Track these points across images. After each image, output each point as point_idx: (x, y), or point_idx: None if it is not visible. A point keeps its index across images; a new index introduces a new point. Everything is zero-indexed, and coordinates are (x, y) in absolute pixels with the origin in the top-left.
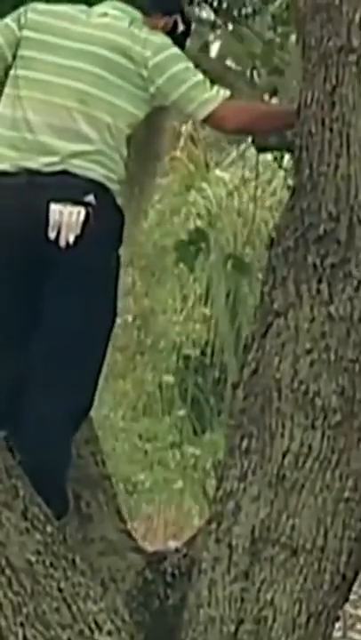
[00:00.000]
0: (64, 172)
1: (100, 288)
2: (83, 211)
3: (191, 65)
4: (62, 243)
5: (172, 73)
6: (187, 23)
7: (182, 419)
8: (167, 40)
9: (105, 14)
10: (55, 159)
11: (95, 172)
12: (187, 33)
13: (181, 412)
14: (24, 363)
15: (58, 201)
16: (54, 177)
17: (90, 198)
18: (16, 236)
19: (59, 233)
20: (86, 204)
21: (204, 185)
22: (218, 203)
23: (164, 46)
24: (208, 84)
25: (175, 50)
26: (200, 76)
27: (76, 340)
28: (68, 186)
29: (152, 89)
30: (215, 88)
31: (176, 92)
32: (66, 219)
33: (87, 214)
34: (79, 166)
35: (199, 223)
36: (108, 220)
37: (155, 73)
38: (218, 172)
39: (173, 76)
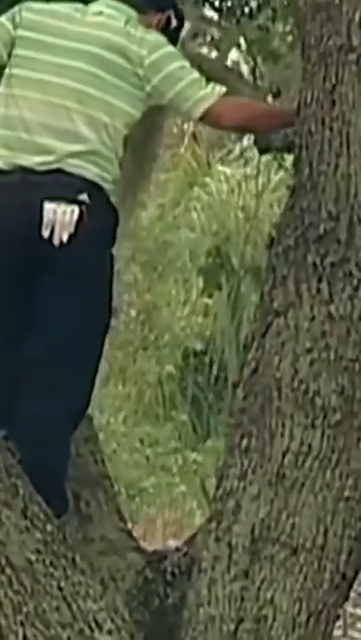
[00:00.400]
0: (58, 171)
1: (95, 286)
2: (77, 209)
3: (187, 63)
4: (56, 241)
5: (167, 72)
6: (179, 19)
7: (184, 423)
8: (162, 38)
9: (100, 13)
10: (50, 158)
11: (89, 171)
12: (179, 28)
13: (183, 417)
14: (20, 362)
15: (52, 199)
16: (48, 175)
17: (84, 197)
18: (9, 234)
19: (52, 231)
20: (80, 203)
21: (208, 180)
22: (220, 198)
23: (160, 45)
24: (204, 81)
25: (170, 48)
26: (196, 74)
27: (72, 339)
28: (62, 184)
29: (148, 88)
30: (211, 85)
31: (172, 90)
32: (60, 217)
33: (81, 213)
34: (74, 165)
35: (203, 218)
36: (101, 218)
37: (150, 72)
38: (220, 167)
39: (169, 75)
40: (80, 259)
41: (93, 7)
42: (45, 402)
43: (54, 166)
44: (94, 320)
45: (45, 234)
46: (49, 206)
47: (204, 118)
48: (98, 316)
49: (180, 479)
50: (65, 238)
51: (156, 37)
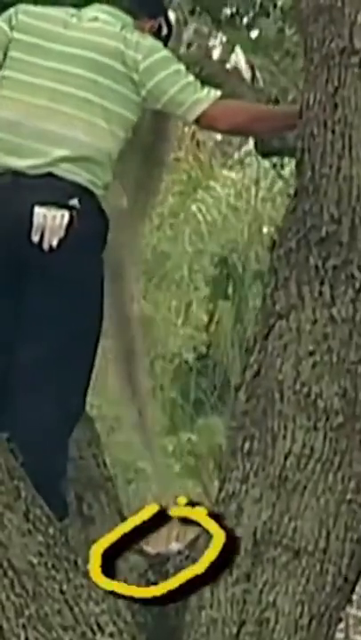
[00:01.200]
0: (49, 175)
1: (85, 290)
2: (67, 214)
3: (182, 67)
4: (45, 246)
5: (161, 76)
6: (169, 26)
7: (173, 403)
8: (158, 43)
9: (96, 19)
10: (41, 162)
11: (81, 176)
12: (169, 35)
13: (173, 394)
14: (13, 365)
15: (42, 204)
16: (39, 179)
17: (74, 202)
18: (71, 265)
19: (42, 236)
20: (70, 208)
21: (212, 183)
22: (227, 202)
23: (155, 49)
24: (198, 85)
25: (165, 52)
26: (190, 78)
27: (65, 342)
28: (52, 189)
29: (143, 92)
30: (206, 89)
31: (166, 95)
32: (50, 222)
33: (71, 218)
34: (65, 170)
35: (209, 221)
36: (92, 224)
37: (145, 76)
38: (225, 171)
39: (163, 80)
40: (70, 263)
41: (88, 12)
42: (40, 405)
43: (45, 170)
44: (86, 323)
45: (35, 238)
46: (39, 211)
47: (198, 121)
48: (90, 319)
49: (175, 461)
50: (54, 243)
51: (151, 42)
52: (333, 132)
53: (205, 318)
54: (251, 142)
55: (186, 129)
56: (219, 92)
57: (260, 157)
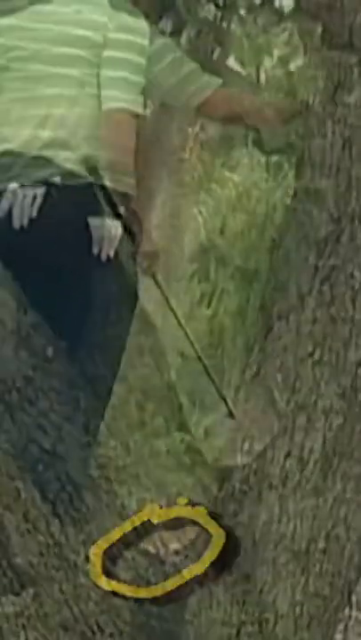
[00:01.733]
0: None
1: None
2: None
3: (183, 54)
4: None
5: (165, 63)
6: None
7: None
8: (156, 30)
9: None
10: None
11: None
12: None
13: (178, 394)
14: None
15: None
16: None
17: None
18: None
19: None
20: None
21: (214, 185)
22: (228, 203)
23: (157, 36)
24: (201, 70)
25: (167, 39)
26: (193, 64)
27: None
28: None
29: (150, 76)
30: (207, 76)
31: (168, 82)
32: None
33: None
34: (110, 178)
35: (202, 230)
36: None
37: (150, 62)
38: (227, 173)
39: (167, 66)
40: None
41: (72, 5)
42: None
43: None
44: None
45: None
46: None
47: (199, 109)
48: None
49: (169, 462)
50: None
51: (149, 28)
52: (333, 131)
53: (207, 315)
54: (250, 143)
55: (189, 130)
56: (220, 80)
57: (262, 158)
